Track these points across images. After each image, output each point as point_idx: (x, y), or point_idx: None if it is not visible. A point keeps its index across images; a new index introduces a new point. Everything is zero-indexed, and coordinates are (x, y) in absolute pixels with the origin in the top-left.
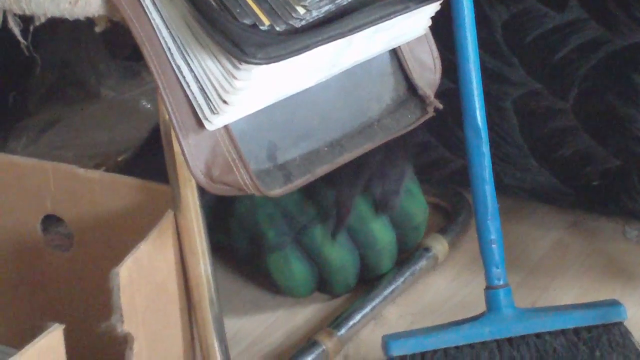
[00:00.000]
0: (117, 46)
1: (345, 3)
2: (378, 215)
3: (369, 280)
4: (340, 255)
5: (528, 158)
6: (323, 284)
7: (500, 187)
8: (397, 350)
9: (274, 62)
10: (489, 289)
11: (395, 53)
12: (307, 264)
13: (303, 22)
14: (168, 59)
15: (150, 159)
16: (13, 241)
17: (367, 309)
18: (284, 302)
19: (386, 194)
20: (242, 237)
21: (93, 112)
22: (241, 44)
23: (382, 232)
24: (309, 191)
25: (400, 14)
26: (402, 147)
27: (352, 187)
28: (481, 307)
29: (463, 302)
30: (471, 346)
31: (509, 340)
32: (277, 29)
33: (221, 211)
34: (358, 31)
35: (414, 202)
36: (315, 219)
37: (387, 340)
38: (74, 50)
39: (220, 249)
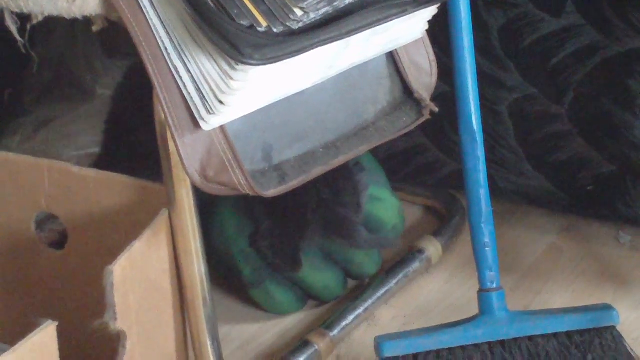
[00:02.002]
0: (113, 45)
1: (342, 6)
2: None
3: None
4: (320, 277)
5: (523, 162)
6: (311, 297)
7: (495, 191)
8: (390, 351)
9: (270, 63)
10: (482, 291)
11: (391, 56)
12: (291, 290)
13: (300, 24)
14: (165, 59)
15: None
16: (7, 238)
17: (360, 310)
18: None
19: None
20: (221, 269)
21: (89, 110)
22: (238, 45)
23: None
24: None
25: (398, 17)
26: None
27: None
28: (474, 310)
29: (456, 305)
30: (464, 348)
31: (502, 343)
32: (275, 30)
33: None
34: (355, 34)
35: (384, 206)
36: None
37: (380, 342)
38: (70, 48)
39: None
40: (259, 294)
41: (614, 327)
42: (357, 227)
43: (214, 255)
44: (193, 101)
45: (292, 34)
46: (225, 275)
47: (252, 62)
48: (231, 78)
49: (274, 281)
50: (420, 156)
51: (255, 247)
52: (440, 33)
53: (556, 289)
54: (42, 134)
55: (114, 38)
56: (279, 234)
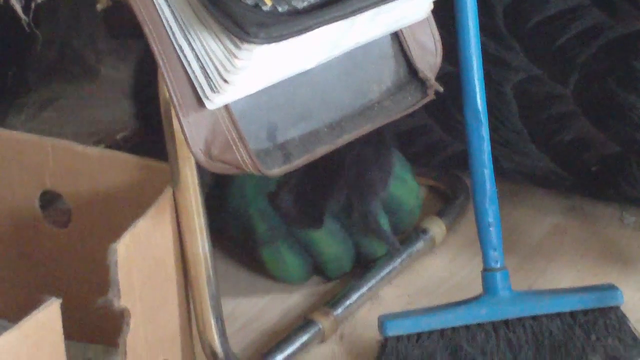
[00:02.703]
0: (117, 25)
1: None
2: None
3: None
4: (333, 245)
5: (527, 143)
6: (318, 270)
7: (499, 171)
8: (393, 330)
9: (275, 42)
10: (486, 271)
11: (396, 36)
12: (301, 255)
13: (305, 3)
14: (169, 38)
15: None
16: (11, 217)
17: (364, 289)
18: (279, 282)
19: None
20: (235, 228)
21: (93, 90)
22: (243, 23)
23: None
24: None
25: None
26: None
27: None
28: (478, 289)
29: (460, 284)
30: (467, 327)
31: (506, 322)
32: (279, 9)
33: (216, 203)
34: (360, 13)
35: (406, 187)
36: None
37: (384, 321)
38: (74, 28)
39: (217, 232)
40: (270, 254)
41: (618, 307)
42: (375, 206)
43: (230, 216)
44: (197, 80)
45: (296, 13)
46: (238, 238)
47: (257, 40)
48: (236, 57)
49: (287, 243)
50: (425, 136)
51: (276, 203)
52: (445, 13)
53: (560, 269)
54: (47, 113)
55: (117, 17)
56: (305, 190)
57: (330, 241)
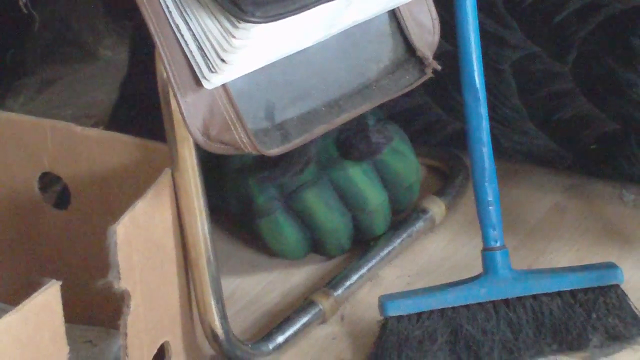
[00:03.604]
0: (115, 5)
1: None
2: (367, 174)
3: (364, 242)
4: (331, 218)
5: (526, 121)
6: (316, 246)
7: (498, 150)
8: (394, 310)
9: (272, 20)
10: (486, 250)
11: (394, 14)
12: (299, 228)
13: None
14: (167, 18)
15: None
16: (10, 199)
17: (364, 270)
18: (280, 263)
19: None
20: (234, 201)
21: (92, 72)
22: (240, 2)
23: (373, 193)
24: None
25: None
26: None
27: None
28: (478, 269)
29: (460, 264)
30: (467, 307)
31: (506, 301)
32: None
33: (214, 174)
34: None
35: (405, 162)
36: (305, 182)
37: (384, 301)
38: (71, 9)
39: (216, 210)
40: (267, 225)
41: (618, 286)
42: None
43: (229, 191)
44: (195, 60)
45: None
46: (236, 213)
47: (254, 19)
48: (233, 36)
49: (284, 214)
50: (423, 115)
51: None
52: None
53: (560, 248)
54: (45, 95)
55: None
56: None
57: (327, 213)
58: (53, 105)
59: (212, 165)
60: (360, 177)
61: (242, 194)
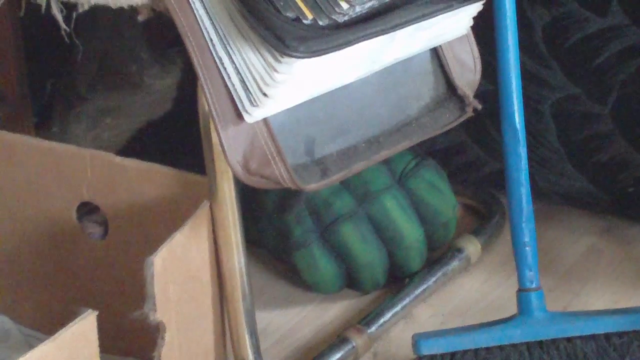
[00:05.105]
0: (158, 36)
1: (388, 0)
2: (404, 209)
3: (399, 279)
4: (367, 252)
5: (564, 162)
6: (351, 281)
7: (535, 191)
8: (428, 349)
9: (315, 56)
10: (521, 291)
11: (435, 52)
12: (334, 261)
13: (346, 18)
14: (210, 50)
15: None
16: (49, 227)
17: (398, 308)
18: (314, 298)
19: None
20: (271, 234)
21: (142, 100)
22: (283, 37)
23: (409, 229)
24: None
25: (443, 13)
26: None
27: None
28: (512, 310)
29: (494, 304)
30: (501, 348)
31: (540, 343)
32: (320, 23)
33: (252, 206)
34: (400, 28)
35: (442, 198)
36: (342, 215)
37: (418, 339)
38: (115, 39)
39: (252, 244)
40: (303, 257)
41: None
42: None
43: (264, 221)
44: (237, 93)
45: (337, 27)
46: (273, 247)
47: (297, 54)
48: (275, 70)
49: (320, 246)
50: (461, 154)
51: None
52: (484, 30)
53: (595, 291)
54: (107, 120)
55: (159, 28)
56: None
57: (363, 247)
58: (114, 131)
59: (250, 199)
60: (397, 212)
61: (280, 227)
